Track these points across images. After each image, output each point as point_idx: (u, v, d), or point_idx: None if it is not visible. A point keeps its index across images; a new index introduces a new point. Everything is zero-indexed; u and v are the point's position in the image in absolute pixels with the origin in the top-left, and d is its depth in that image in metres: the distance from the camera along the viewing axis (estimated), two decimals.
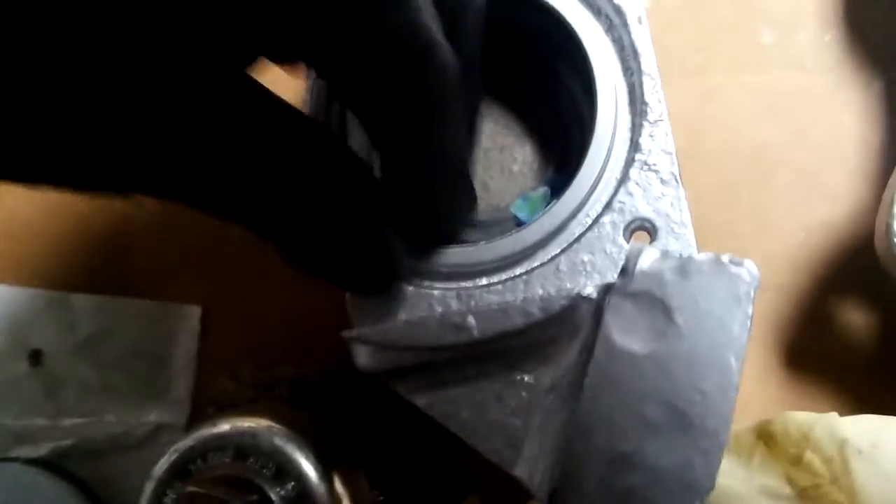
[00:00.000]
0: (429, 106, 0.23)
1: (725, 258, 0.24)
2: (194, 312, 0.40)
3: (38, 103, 0.16)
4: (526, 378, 0.28)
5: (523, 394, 0.28)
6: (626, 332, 0.24)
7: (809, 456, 0.28)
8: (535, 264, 0.28)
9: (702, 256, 0.24)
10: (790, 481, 0.28)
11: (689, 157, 0.37)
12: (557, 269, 0.28)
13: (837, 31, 0.37)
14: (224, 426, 0.32)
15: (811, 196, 0.36)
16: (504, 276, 0.29)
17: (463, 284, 0.29)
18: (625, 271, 0.25)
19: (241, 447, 0.31)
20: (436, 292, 0.29)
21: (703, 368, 0.24)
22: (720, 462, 0.23)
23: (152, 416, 0.39)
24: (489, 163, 0.36)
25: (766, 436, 0.29)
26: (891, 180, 0.28)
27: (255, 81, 0.20)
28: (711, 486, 0.23)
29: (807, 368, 0.35)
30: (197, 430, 0.32)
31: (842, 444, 0.28)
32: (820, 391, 0.35)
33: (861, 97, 0.36)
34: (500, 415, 0.28)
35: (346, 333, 0.28)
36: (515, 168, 0.35)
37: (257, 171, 0.20)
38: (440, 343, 0.27)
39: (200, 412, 0.39)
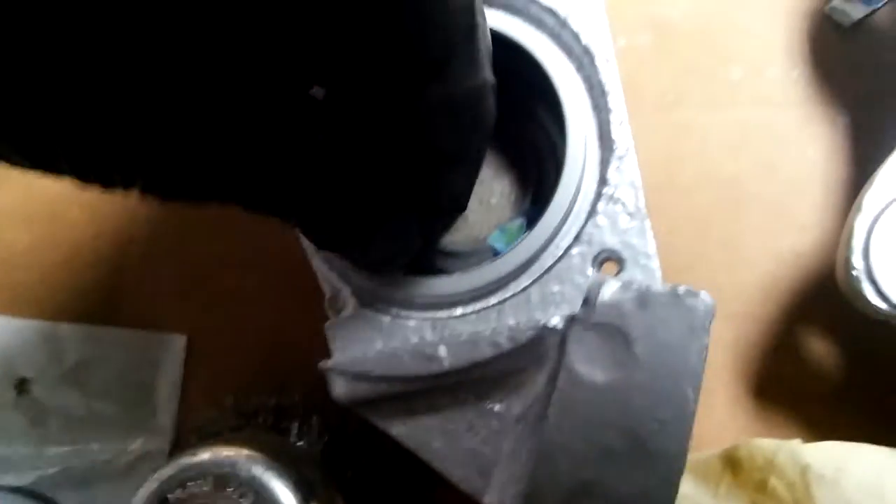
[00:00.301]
0: (472, 146, 0.26)
1: (682, 290, 0.25)
2: (179, 342, 0.40)
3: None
4: (496, 407, 0.28)
5: (494, 423, 0.28)
6: (588, 363, 0.25)
7: (773, 482, 0.29)
8: (508, 295, 0.29)
9: (660, 288, 0.25)
10: None
11: (662, 190, 0.38)
12: (529, 299, 0.29)
13: (804, 68, 0.38)
14: (203, 455, 0.32)
15: (780, 227, 0.37)
16: (478, 306, 0.29)
17: (438, 314, 0.30)
18: (587, 303, 0.26)
19: (220, 476, 0.32)
20: (412, 322, 0.29)
21: (661, 398, 0.24)
22: (677, 490, 0.23)
23: (137, 445, 0.40)
24: None
25: (732, 462, 0.30)
26: (850, 215, 0.29)
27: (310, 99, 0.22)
28: None
29: (776, 396, 0.36)
30: (177, 459, 0.32)
31: (804, 470, 0.28)
32: (788, 419, 0.35)
33: (827, 132, 0.37)
34: (472, 443, 0.28)
35: (323, 364, 0.29)
36: (493, 200, 0.36)
37: (315, 180, 0.23)
38: (413, 373, 0.28)
39: (184, 440, 0.39)
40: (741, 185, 0.37)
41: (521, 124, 0.36)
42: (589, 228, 0.29)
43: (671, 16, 0.39)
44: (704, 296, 0.25)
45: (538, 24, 0.31)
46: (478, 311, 0.29)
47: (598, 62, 0.30)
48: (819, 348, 0.36)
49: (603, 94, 0.30)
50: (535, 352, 0.28)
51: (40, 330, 0.41)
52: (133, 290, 0.41)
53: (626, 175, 0.29)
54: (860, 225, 0.29)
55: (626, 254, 0.29)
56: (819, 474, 0.28)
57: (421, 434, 0.29)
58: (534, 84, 0.32)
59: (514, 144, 0.36)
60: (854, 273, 0.29)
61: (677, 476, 0.23)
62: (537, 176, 0.36)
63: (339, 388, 0.29)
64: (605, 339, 0.25)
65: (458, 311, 0.29)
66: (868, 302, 0.29)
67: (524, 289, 0.29)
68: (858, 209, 0.29)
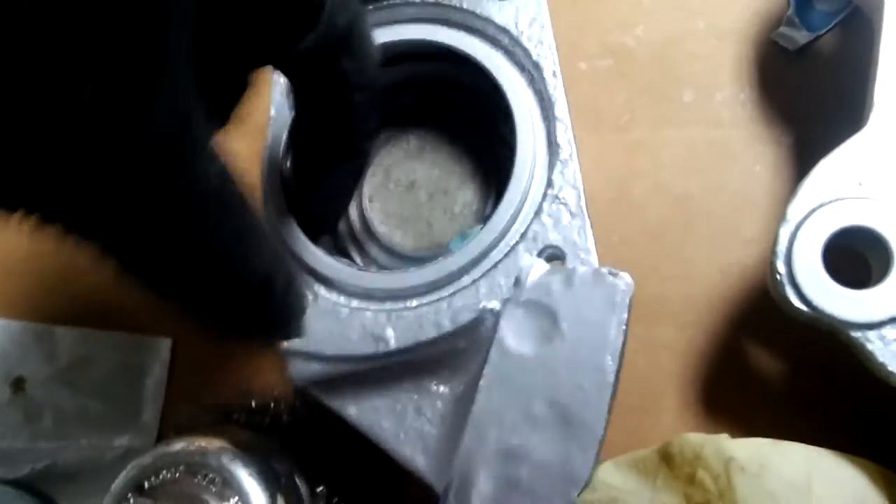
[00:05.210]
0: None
1: (604, 270, 0.27)
2: (165, 345, 0.43)
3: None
4: (441, 388, 0.31)
5: (438, 404, 0.30)
6: (518, 337, 0.27)
7: (701, 474, 0.30)
8: (459, 287, 0.31)
9: (583, 269, 0.27)
10: (687, 499, 0.30)
11: (618, 205, 0.40)
12: (478, 291, 0.31)
13: (751, 91, 0.40)
14: (177, 446, 0.35)
15: (727, 241, 0.38)
16: (432, 297, 0.31)
17: (395, 306, 0.32)
18: (517, 282, 0.28)
19: (191, 465, 0.34)
20: (369, 313, 0.32)
21: (583, 368, 0.26)
22: (598, 457, 0.25)
23: (122, 441, 0.42)
24: (434, 205, 0.39)
25: (666, 457, 0.31)
26: (778, 224, 0.31)
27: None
28: (588, 479, 0.25)
29: (723, 402, 0.37)
30: (153, 450, 0.35)
31: (727, 462, 0.30)
32: (734, 423, 0.37)
33: (772, 151, 0.39)
34: (418, 423, 0.30)
35: (281, 347, 0.31)
36: (457, 209, 0.38)
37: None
38: (361, 353, 0.30)
39: (165, 436, 0.42)
40: (692, 201, 0.39)
41: (484, 137, 0.38)
42: (535, 226, 0.31)
43: (627, 43, 0.41)
44: (624, 275, 0.27)
45: (494, 42, 0.34)
46: (431, 303, 0.31)
47: (546, 75, 0.33)
48: (763, 356, 0.37)
49: (550, 104, 0.33)
50: (475, 333, 0.30)
51: (36, 332, 0.43)
52: (124, 296, 0.43)
53: (568, 178, 0.32)
54: (784, 233, 0.31)
55: (567, 249, 0.31)
56: (741, 466, 0.30)
57: (371, 414, 0.31)
58: (492, 99, 0.34)
59: (477, 156, 0.39)
60: (778, 278, 0.30)
61: (597, 443, 0.25)
62: (498, 186, 0.38)
63: (297, 369, 0.31)
64: (533, 316, 0.27)
65: (414, 302, 0.32)
66: (792, 305, 0.30)
67: (474, 282, 0.31)
68: (783, 218, 0.31)
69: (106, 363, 0.43)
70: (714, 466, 0.30)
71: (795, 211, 0.31)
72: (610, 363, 0.26)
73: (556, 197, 0.31)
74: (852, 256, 0.32)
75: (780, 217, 0.31)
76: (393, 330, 0.30)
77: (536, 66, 0.33)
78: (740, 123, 0.40)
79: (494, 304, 0.29)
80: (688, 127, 0.40)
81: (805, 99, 0.39)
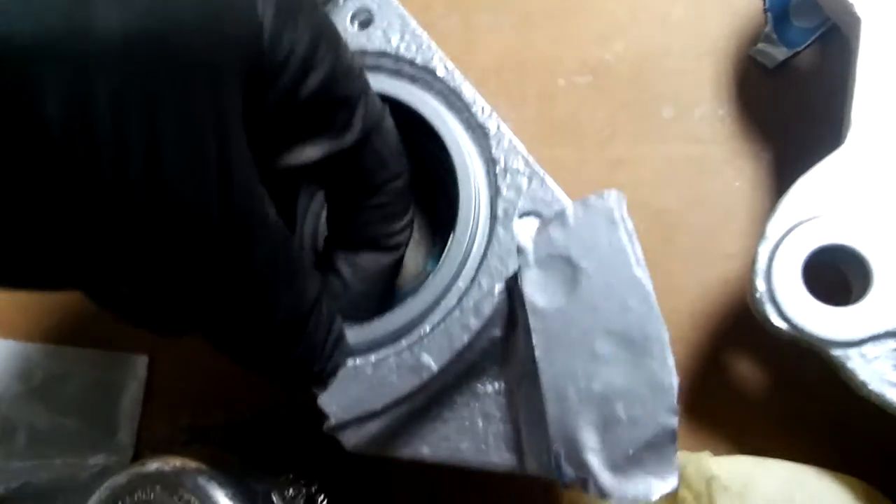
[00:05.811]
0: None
1: (589, 196, 0.27)
2: (142, 362, 0.42)
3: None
4: (496, 385, 0.30)
5: (501, 399, 0.30)
6: (546, 294, 0.27)
7: (683, 492, 0.30)
8: (461, 292, 0.31)
9: (570, 206, 0.27)
10: None
11: None
12: (480, 284, 0.30)
13: (731, 107, 0.40)
14: (152, 465, 0.34)
15: (708, 255, 0.39)
16: (442, 314, 0.30)
17: (412, 339, 0.30)
18: (519, 250, 0.27)
19: (167, 485, 0.33)
20: (391, 360, 0.30)
21: (620, 289, 0.26)
22: (672, 357, 0.25)
23: (98, 460, 0.41)
24: None
25: None
26: (757, 242, 0.31)
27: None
28: (676, 381, 0.25)
29: (706, 415, 0.37)
30: (128, 469, 0.34)
31: (709, 481, 0.30)
32: (718, 438, 0.37)
33: (752, 166, 0.39)
34: (493, 429, 0.30)
35: (327, 426, 0.30)
36: (417, 236, 0.38)
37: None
38: (408, 389, 0.29)
39: (142, 456, 0.41)
40: (672, 216, 0.39)
41: (422, 162, 0.38)
42: (501, 204, 0.31)
43: (606, 58, 0.41)
44: (610, 191, 0.27)
45: (381, 68, 0.34)
46: (444, 318, 0.30)
47: (441, 76, 0.33)
48: (746, 370, 0.37)
49: (458, 97, 0.33)
50: (502, 318, 0.29)
51: (11, 349, 0.43)
52: (99, 312, 0.43)
53: (506, 147, 0.32)
54: (763, 251, 0.31)
55: (539, 207, 0.31)
56: (723, 485, 0.29)
57: (445, 444, 0.30)
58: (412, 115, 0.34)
59: (421, 179, 0.38)
60: (758, 296, 0.30)
61: (666, 348, 0.25)
62: (447, 202, 0.37)
63: (352, 440, 0.30)
64: (550, 269, 0.27)
65: (427, 327, 0.30)
66: (772, 323, 0.30)
67: (472, 279, 0.30)
68: (762, 236, 0.31)
69: (81, 380, 0.42)
70: (696, 485, 0.30)
71: (774, 229, 0.31)
72: (641, 272, 0.26)
73: (505, 169, 0.31)
74: (835, 271, 0.32)
75: (760, 235, 0.31)
76: (428, 354, 0.29)
77: (428, 69, 0.33)
78: (720, 139, 0.40)
79: (500, 286, 0.29)
80: (668, 143, 0.40)
81: (784, 115, 0.39)
